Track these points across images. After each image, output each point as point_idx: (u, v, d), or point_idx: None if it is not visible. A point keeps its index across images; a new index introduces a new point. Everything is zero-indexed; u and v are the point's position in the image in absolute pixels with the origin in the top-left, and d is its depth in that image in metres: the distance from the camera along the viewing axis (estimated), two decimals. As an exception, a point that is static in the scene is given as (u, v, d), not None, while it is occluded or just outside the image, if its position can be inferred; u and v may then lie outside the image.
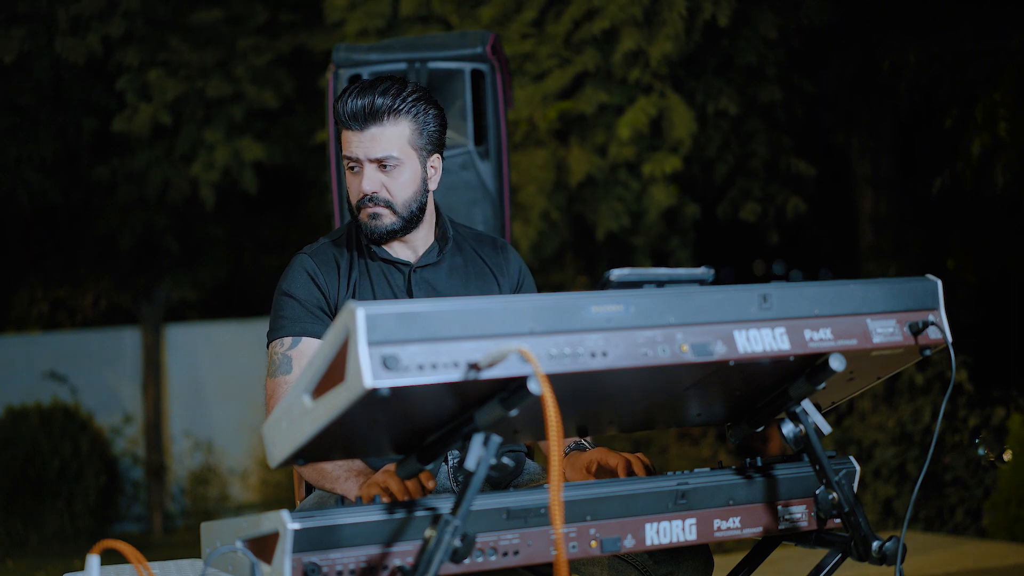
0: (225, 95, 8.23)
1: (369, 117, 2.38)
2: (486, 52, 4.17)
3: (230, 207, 9.66)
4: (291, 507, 2.02)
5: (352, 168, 2.44)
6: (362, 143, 2.39)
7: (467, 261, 2.58)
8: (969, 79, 6.58)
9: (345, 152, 2.42)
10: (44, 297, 10.65)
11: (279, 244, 10.52)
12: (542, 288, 2.82)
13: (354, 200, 2.45)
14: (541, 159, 6.87)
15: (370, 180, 2.41)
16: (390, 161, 2.41)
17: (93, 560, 1.78)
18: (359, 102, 2.38)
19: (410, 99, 2.40)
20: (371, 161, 2.41)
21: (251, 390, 9.60)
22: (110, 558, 2.05)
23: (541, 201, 6.84)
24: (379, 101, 2.37)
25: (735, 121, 7.18)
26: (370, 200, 2.42)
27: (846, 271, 9.24)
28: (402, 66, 4.16)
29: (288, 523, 1.73)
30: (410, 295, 2.50)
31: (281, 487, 10.04)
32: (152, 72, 8.15)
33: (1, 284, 10.63)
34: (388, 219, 2.44)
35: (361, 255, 2.52)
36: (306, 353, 2.41)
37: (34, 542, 9.01)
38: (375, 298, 2.50)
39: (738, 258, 11.45)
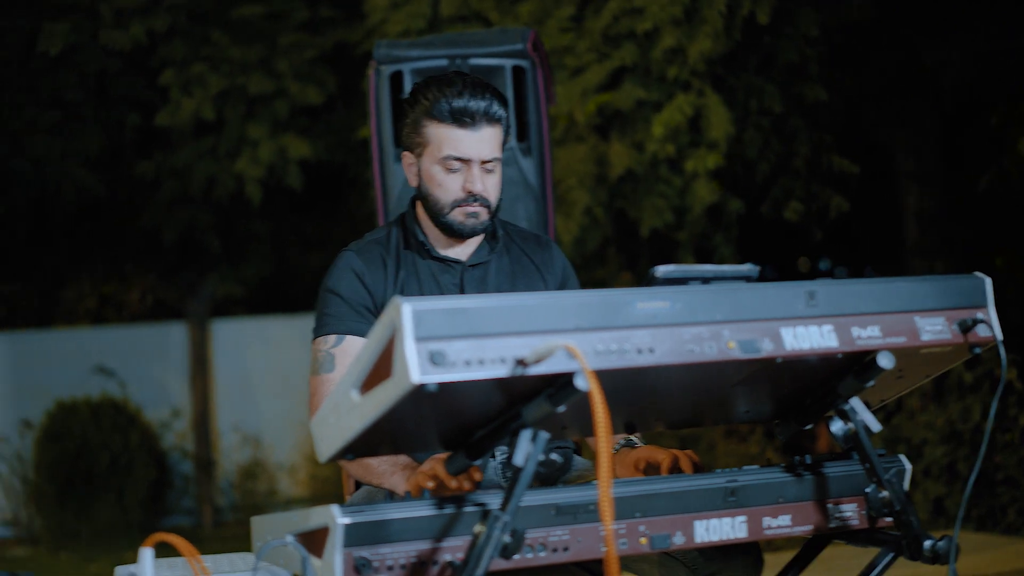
0: (267, 91, 8.28)
1: (484, 118, 2.41)
2: (527, 48, 4.17)
3: (274, 204, 9.72)
4: (339, 502, 2.04)
5: (452, 167, 2.43)
6: (474, 143, 2.41)
7: (514, 259, 2.59)
8: (1014, 76, 6.49)
9: (450, 150, 2.41)
10: (92, 292, 10.78)
11: (321, 241, 10.57)
12: (585, 284, 2.82)
13: (450, 199, 2.45)
14: (581, 153, 6.86)
15: (480, 180, 2.43)
16: (494, 162, 2.45)
17: (147, 553, 1.81)
18: (479, 103, 2.40)
19: (503, 101, 2.45)
20: (482, 162, 2.43)
21: (299, 385, 9.65)
22: (162, 551, 2.08)
23: (583, 196, 6.82)
24: (496, 105, 2.41)
25: (776, 119, 7.12)
26: (475, 200, 2.44)
27: (890, 268, 9.15)
28: (443, 62, 4.16)
29: (338, 517, 1.74)
30: (462, 293, 2.51)
31: (329, 482, 10.08)
32: (196, 66, 8.20)
33: (50, 279, 10.78)
34: (483, 217, 2.47)
35: (410, 252, 2.53)
36: (349, 351, 2.41)
37: (86, 534, 9.13)
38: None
39: (781, 255, 11.37)
